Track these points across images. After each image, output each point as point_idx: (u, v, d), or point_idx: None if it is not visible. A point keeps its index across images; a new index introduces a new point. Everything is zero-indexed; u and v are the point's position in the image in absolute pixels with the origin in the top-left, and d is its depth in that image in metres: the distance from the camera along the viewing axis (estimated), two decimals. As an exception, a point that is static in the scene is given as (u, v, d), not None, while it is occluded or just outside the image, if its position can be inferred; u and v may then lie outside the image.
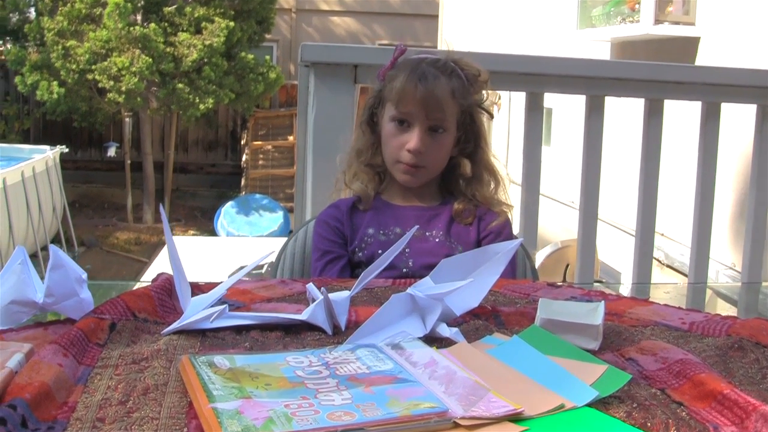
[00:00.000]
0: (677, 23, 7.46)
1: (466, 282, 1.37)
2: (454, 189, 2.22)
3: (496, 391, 1.08)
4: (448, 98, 2.09)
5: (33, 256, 10.97)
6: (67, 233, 12.26)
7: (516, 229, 2.96)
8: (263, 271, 9.14)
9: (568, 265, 8.05)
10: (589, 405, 1.08)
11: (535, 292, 1.70)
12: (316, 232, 2.23)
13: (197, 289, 1.58)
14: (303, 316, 1.39)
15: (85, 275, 1.43)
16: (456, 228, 2.15)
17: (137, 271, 11.31)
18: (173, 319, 1.41)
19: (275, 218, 13.89)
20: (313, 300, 1.46)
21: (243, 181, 15.64)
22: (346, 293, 1.43)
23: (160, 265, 9.16)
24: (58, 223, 12.10)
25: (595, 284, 7.96)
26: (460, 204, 2.16)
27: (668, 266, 7.28)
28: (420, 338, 1.30)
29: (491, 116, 2.26)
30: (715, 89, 3.22)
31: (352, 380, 1.11)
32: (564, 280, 7.91)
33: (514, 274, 2.10)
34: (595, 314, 1.38)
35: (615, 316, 1.54)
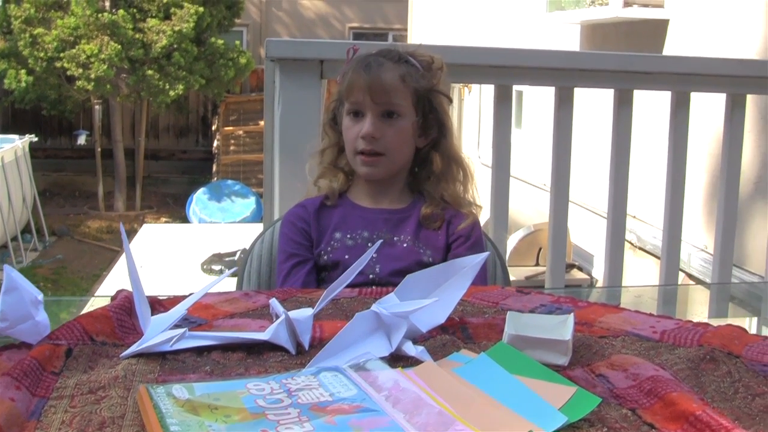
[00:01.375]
0: (646, 6, 7.47)
1: (432, 301, 1.34)
2: (423, 188, 2.18)
3: (463, 417, 1.05)
4: (397, 83, 2.06)
5: (3, 247, 10.88)
6: (37, 223, 12.17)
7: (487, 215, 2.94)
8: (236, 258, 9.10)
9: (540, 249, 8.06)
10: (557, 431, 1.05)
11: (504, 299, 1.67)
12: (282, 233, 2.19)
13: (159, 305, 1.54)
14: (265, 336, 1.36)
15: (41, 296, 1.39)
16: (424, 232, 2.12)
17: (109, 259, 11.24)
18: (133, 340, 1.37)
19: (247, 204, 13.84)
20: (276, 316, 1.43)
21: (215, 167, 15.57)
22: (309, 311, 1.40)
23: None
24: (28, 213, 12.00)
25: (569, 269, 7.97)
26: (428, 208, 2.13)
27: (640, 248, 7.30)
28: (385, 358, 1.27)
29: (450, 100, 2.23)
30: (685, 78, 3.19)
31: (314, 410, 1.08)
32: (537, 263, 7.95)
33: (485, 280, 2.07)
34: (564, 328, 1.36)
35: (585, 325, 1.51)
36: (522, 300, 1.68)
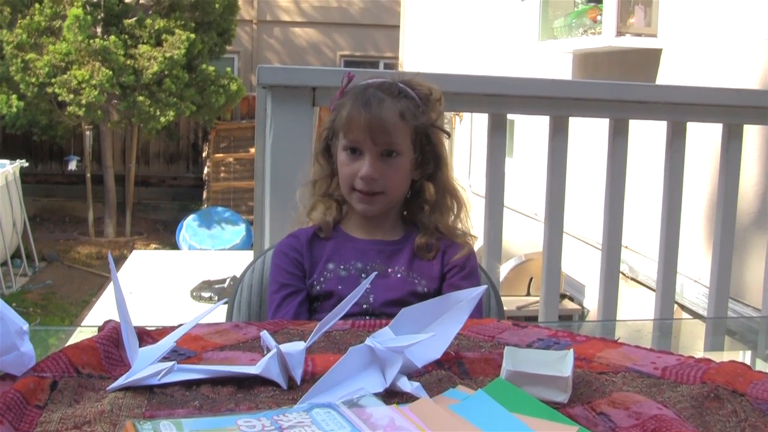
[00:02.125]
0: (639, 35, 7.46)
1: (428, 336, 1.31)
2: (417, 218, 2.15)
3: (461, 457, 1.02)
4: (397, 120, 2.02)
5: (-8, 271, 10.82)
6: (27, 248, 12.07)
7: (479, 244, 2.90)
8: (225, 285, 9.05)
9: (531, 279, 8.02)
10: (559, 472, 1.02)
11: (500, 333, 1.64)
12: (274, 263, 2.15)
13: (147, 336, 1.51)
14: (256, 370, 1.32)
15: (26, 326, 1.35)
16: (419, 263, 2.08)
17: (99, 285, 11.16)
18: (120, 372, 1.33)
19: (237, 231, 13.77)
20: (267, 349, 1.39)
21: (205, 194, 15.51)
22: (301, 345, 1.36)
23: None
24: (18, 238, 11.92)
25: (561, 300, 7.92)
26: (423, 238, 2.10)
27: (632, 279, 7.26)
28: (379, 394, 1.23)
29: (448, 135, 2.20)
30: (681, 108, 3.17)
31: (306, 448, 1.04)
32: (528, 293, 7.91)
33: (481, 312, 2.04)
34: (563, 364, 1.32)
35: (584, 361, 1.48)
36: (518, 334, 1.64)
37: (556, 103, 3.09)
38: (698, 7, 6.74)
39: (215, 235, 13.63)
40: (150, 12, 13.50)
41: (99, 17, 12.86)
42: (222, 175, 15.50)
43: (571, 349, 1.37)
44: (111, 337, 1.42)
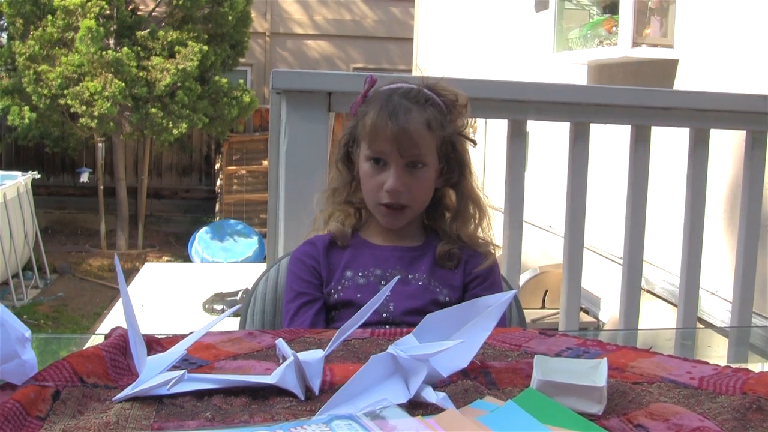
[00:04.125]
0: (655, 46, 7.39)
1: (455, 343, 1.23)
2: (439, 226, 2.08)
3: (492, 473, 0.94)
4: (424, 131, 1.94)
5: (4, 284, 10.77)
6: (39, 260, 12.04)
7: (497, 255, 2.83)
8: (238, 297, 9.00)
9: (547, 291, 7.93)
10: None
11: (527, 342, 1.56)
12: (291, 270, 2.08)
13: (156, 344, 1.43)
14: (272, 380, 1.24)
15: (28, 333, 1.28)
16: (440, 271, 2.01)
17: (111, 298, 11.11)
18: (127, 381, 1.26)
19: (250, 244, 13.72)
20: (284, 358, 1.32)
21: (217, 206, 15.47)
22: (319, 353, 1.29)
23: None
24: (29, 250, 11.88)
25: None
26: (445, 246, 2.02)
27: (649, 292, 7.17)
28: (403, 405, 1.16)
29: (474, 143, 2.12)
30: (704, 115, 3.10)
31: (326, 463, 0.97)
32: (543, 306, 7.83)
33: (504, 322, 1.96)
34: (597, 373, 1.25)
35: (616, 371, 1.40)
36: (546, 343, 1.57)
37: (577, 109, 3.02)
38: (715, 17, 6.67)
39: (228, 248, 13.59)
40: (163, 24, 13.49)
41: (112, 29, 12.85)
42: (235, 187, 15.46)
43: (605, 358, 1.29)
44: (118, 345, 1.35)
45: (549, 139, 8.60)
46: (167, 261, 13.62)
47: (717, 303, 5.74)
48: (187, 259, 13.54)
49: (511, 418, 1.12)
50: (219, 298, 8.98)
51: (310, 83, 2.84)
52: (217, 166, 16.12)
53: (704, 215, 3.18)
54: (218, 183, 15.68)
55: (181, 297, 9.32)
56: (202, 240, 13.58)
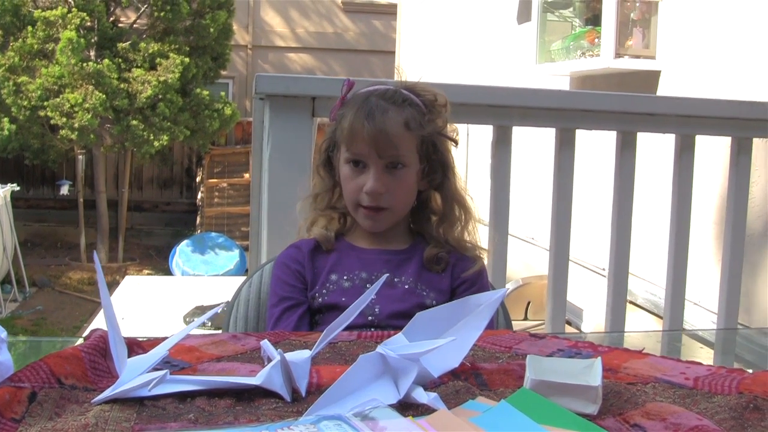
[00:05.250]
0: (638, 57, 7.39)
1: (446, 341, 1.19)
2: (425, 230, 2.05)
3: (487, 473, 0.91)
4: (402, 131, 1.91)
5: (-16, 296, 10.70)
6: (18, 273, 11.94)
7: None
8: (219, 311, 8.96)
9: (529, 303, 7.91)
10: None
11: (517, 344, 1.53)
12: (275, 275, 2.04)
13: (137, 346, 1.39)
14: (257, 381, 1.20)
15: (4, 334, 1.24)
16: (427, 275, 1.97)
17: (90, 311, 11.03)
18: (107, 384, 1.22)
19: (231, 257, 13.66)
20: (269, 359, 1.28)
21: (198, 219, 15.39)
22: (306, 353, 1.25)
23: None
24: (8, 263, 11.78)
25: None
26: (433, 250, 1.99)
27: (632, 303, 7.16)
28: (393, 406, 1.12)
29: (456, 143, 2.09)
30: (689, 121, 3.08)
31: (315, 463, 0.93)
32: (525, 318, 7.80)
33: (493, 325, 1.93)
34: (591, 373, 1.21)
35: (610, 371, 1.37)
36: (537, 345, 1.53)
37: (563, 114, 2.99)
38: (697, 28, 6.68)
39: (209, 261, 13.53)
40: (144, 36, 13.43)
41: (92, 40, 12.78)
42: (216, 200, 15.39)
43: (599, 357, 1.26)
44: (97, 347, 1.31)
45: (529, 149, 8.59)
46: (148, 274, 13.54)
47: (700, 313, 5.73)
48: (168, 272, 13.47)
49: (506, 418, 1.08)
50: (200, 311, 8.91)
51: (294, 88, 2.80)
52: (198, 179, 16.06)
53: (690, 223, 3.16)
54: (199, 196, 15.61)
55: (161, 310, 9.25)
56: (183, 253, 13.51)
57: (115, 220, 14.77)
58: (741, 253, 3.21)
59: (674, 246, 3.15)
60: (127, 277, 11.84)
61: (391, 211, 1.97)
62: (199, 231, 14.92)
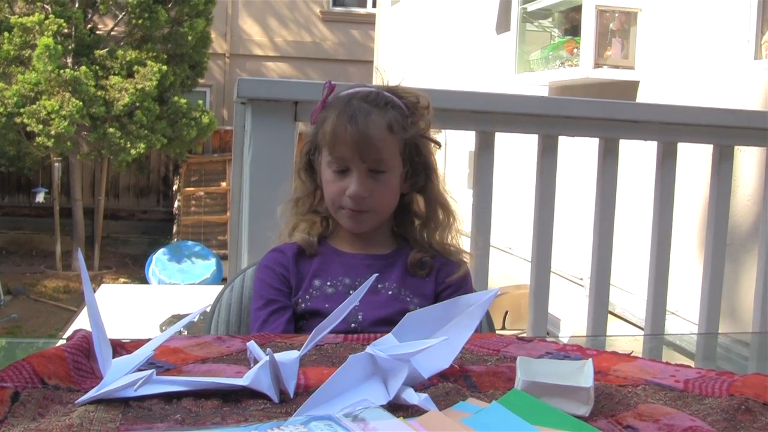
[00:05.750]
0: (617, 67, 7.43)
1: (438, 341, 1.17)
2: (408, 233, 2.03)
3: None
4: (385, 134, 1.89)
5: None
6: (-8, 281, 11.89)
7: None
8: (195, 320, 8.91)
9: (507, 312, 7.90)
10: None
11: (505, 347, 1.51)
12: (259, 278, 2.02)
13: (121, 348, 1.37)
14: (244, 381, 1.18)
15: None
16: (411, 280, 1.95)
17: (66, 319, 10.96)
18: (90, 385, 1.19)
19: (208, 265, 13.61)
20: (255, 361, 1.26)
21: (175, 228, 15.33)
22: (294, 353, 1.23)
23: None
24: (-17, 271, 11.74)
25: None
26: (417, 254, 1.97)
27: (610, 312, 7.16)
28: (383, 406, 1.10)
29: (438, 145, 2.07)
30: (672, 128, 3.08)
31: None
32: (503, 327, 7.80)
33: (478, 329, 1.91)
34: (582, 374, 1.20)
35: (599, 374, 1.35)
36: (525, 347, 1.52)
37: (546, 121, 2.98)
38: (676, 39, 6.71)
39: (185, 270, 13.47)
40: (122, 43, 13.39)
41: (70, 47, 12.73)
42: (192, 209, 15.35)
43: (590, 359, 1.25)
44: (81, 347, 1.29)
45: (504, 159, 8.61)
46: (124, 283, 13.48)
47: (680, 324, 5.74)
48: (144, 281, 13.41)
49: (498, 419, 1.06)
50: (177, 320, 8.86)
51: (276, 92, 2.78)
52: (175, 188, 16.01)
53: (672, 230, 3.16)
54: (176, 204, 15.56)
55: (138, 319, 9.19)
56: (159, 262, 13.46)
57: (91, 228, 14.70)
58: (722, 260, 3.21)
59: (656, 254, 3.14)
60: (103, 285, 11.77)
61: (373, 213, 1.95)
62: (175, 240, 14.87)
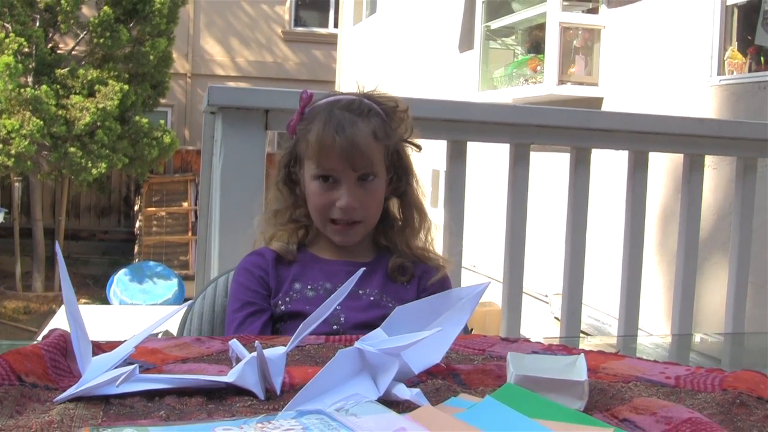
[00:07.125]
0: (581, 84, 7.48)
1: (431, 333, 1.14)
2: (389, 239, 2.00)
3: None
4: (371, 142, 1.87)
5: None
6: (-49, 302, 11.72)
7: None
8: (159, 337, 8.84)
9: (472, 330, 7.90)
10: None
11: (490, 347, 1.49)
12: (237, 281, 1.98)
13: (97, 348, 1.33)
14: (230, 378, 1.15)
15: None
16: (392, 286, 1.93)
17: (26, 340, 10.80)
18: (68, 383, 1.15)
19: (169, 286, 13.49)
20: (237, 360, 1.22)
21: (136, 248, 15.20)
22: (281, 349, 1.20)
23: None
24: (-59, 292, 11.56)
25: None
26: (397, 260, 1.95)
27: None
28: (376, 401, 1.07)
29: (419, 148, 2.05)
30: (643, 137, 3.08)
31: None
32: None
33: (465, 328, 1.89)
34: (575, 369, 1.18)
35: (590, 371, 1.32)
36: (510, 347, 1.49)
37: (518, 129, 2.97)
38: (639, 56, 6.76)
39: (147, 290, 13.35)
40: (83, 62, 13.27)
41: (30, 66, 12.60)
42: (154, 229, 15.24)
43: (582, 354, 1.22)
44: (58, 345, 1.25)
45: (468, 177, 8.61)
46: (85, 303, 13.30)
47: (643, 335, 5.74)
48: (105, 301, 13.26)
49: (493, 413, 1.03)
50: (139, 340, 8.79)
51: (247, 100, 2.74)
52: (136, 208, 15.89)
53: (643, 242, 3.16)
54: (137, 224, 15.44)
55: (99, 340, 9.10)
56: (120, 282, 13.33)
57: (52, 248, 14.51)
58: (694, 268, 3.21)
59: (627, 264, 3.13)
60: (63, 306, 11.64)
61: (363, 224, 1.93)
62: (137, 260, 14.74)
